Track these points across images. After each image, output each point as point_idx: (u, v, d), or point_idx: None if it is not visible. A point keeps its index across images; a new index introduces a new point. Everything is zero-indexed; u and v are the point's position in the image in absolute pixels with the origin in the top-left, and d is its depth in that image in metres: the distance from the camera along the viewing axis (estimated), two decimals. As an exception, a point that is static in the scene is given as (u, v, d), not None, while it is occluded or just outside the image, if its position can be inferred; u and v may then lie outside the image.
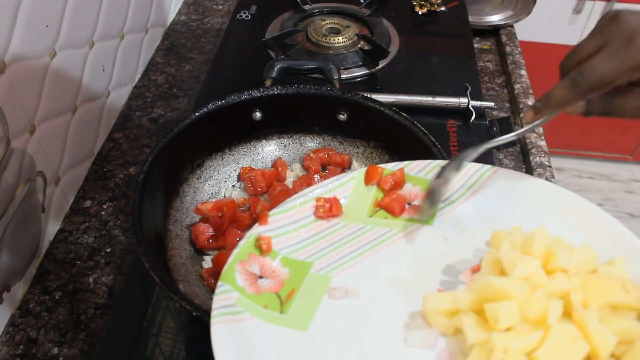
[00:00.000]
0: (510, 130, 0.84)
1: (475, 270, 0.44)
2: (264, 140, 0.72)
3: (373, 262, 0.46)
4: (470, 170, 0.51)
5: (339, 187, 0.51)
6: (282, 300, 0.43)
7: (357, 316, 0.42)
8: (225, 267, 0.43)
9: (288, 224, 0.48)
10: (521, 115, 0.46)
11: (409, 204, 0.51)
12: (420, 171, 0.52)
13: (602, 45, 0.42)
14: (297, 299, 0.43)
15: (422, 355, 0.39)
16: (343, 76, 0.87)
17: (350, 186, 0.52)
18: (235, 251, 0.45)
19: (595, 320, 0.36)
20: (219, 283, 0.42)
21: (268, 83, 0.71)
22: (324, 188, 0.51)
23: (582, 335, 0.36)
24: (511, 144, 0.84)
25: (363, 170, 0.53)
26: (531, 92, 0.93)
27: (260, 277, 0.44)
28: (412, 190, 0.52)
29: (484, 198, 0.50)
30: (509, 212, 0.48)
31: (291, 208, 0.49)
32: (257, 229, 0.47)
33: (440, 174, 0.49)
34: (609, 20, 0.42)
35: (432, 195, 0.49)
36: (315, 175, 0.66)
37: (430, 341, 0.39)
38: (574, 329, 0.36)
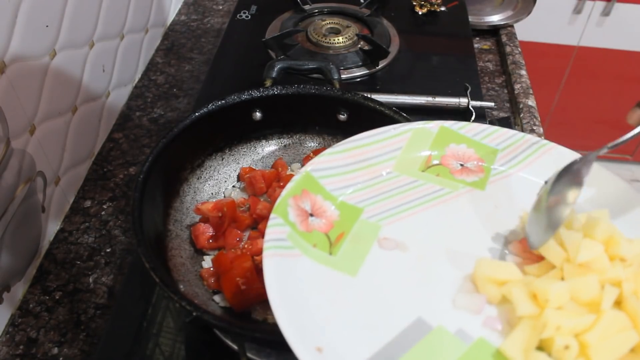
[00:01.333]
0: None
1: (524, 243, 0.44)
2: (264, 140, 0.72)
3: (422, 218, 0.45)
4: (526, 142, 0.51)
5: (396, 136, 0.50)
6: (331, 241, 0.42)
7: (406, 269, 0.41)
8: (279, 200, 0.42)
9: (340, 165, 0.47)
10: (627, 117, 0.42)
11: (461, 164, 0.51)
12: (477, 134, 0.52)
13: None
14: (347, 242, 0.43)
15: (468, 319, 0.38)
16: (343, 76, 0.87)
17: (406, 138, 0.51)
18: (290, 185, 0.44)
19: None
20: (272, 215, 0.41)
21: (268, 83, 0.71)
22: (379, 136, 0.50)
23: (633, 325, 0.36)
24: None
25: (422, 123, 0.51)
26: (531, 92, 0.93)
27: (311, 215, 0.44)
28: (467, 152, 0.51)
29: (538, 171, 0.49)
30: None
31: (345, 150, 0.48)
32: (310, 166, 0.46)
33: (552, 189, 0.43)
34: None
35: (548, 217, 0.41)
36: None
37: (478, 306, 0.39)
38: (625, 318, 0.36)
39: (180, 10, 1.16)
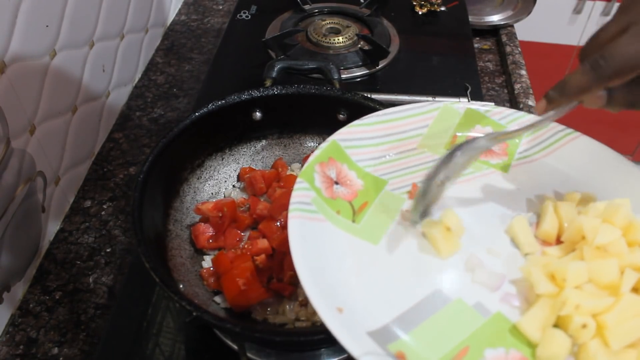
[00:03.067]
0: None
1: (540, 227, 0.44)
2: (264, 140, 0.72)
3: (444, 195, 0.45)
4: (553, 128, 0.51)
5: (424, 113, 0.51)
6: (354, 210, 0.43)
7: (426, 242, 0.42)
8: (306, 166, 0.43)
9: (367, 137, 0.48)
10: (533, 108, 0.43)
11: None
12: (503, 117, 0.52)
13: (626, 27, 0.37)
14: (370, 212, 0.43)
15: (487, 294, 0.39)
16: (343, 76, 0.87)
17: (433, 116, 0.51)
18: (317, 152, 0.44)
19: None
20: (298, 180, 0.41)
21: (268, 83, 0.71)
22: (407, 112, 0.50)
23: None
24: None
25: (449, 103, 0.52)
26: (531, 92, 0.93)
27: (336, 183, 0.44)
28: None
29: (562, 158, 0.49)
30: (586, 178, 0.48)
31: (373, 123, 0.48)
32: (337, 135, 0.46)
33: (433, 174, 0.43)
34: (634, 0, 0.37)
35: (421, 198, 0.42)
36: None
37: (496, 283, 0.40)
38: None
39: (180, 10, 1.16)
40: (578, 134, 0.51)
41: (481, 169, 0.49)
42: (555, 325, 0.37)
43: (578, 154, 0.49)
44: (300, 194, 0.40)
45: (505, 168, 0.50)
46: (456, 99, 0.83)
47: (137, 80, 0.98)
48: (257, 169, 0.70)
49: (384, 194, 0.45)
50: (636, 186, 0.46)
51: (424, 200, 0.42)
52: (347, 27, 0.97)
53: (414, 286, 0.39)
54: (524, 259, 0.42)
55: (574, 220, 0.41)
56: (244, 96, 0.65)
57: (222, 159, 0.69)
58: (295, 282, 0.57)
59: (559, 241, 0.44)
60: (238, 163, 0.70)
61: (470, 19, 1.05)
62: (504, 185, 0.48)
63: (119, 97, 0.91)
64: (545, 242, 0.44)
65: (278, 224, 0.60)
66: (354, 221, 0.42)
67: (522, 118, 0.52)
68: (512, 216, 0.45)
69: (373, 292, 0.38)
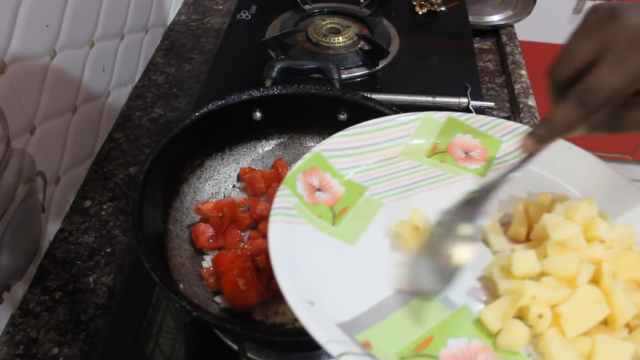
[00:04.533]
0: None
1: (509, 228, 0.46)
2: (264, 140, 0.72)
3: (422, 199, 0.48)
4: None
5: (404, 124, 0.53)
6: (335, 214, 0.46)
7: (399, 241, 0.45)
8: (289, 174, 0.46)
9: (350, 147, 0.50)
10: (519, 145, 0.44)
11: (466, 153, 0.53)
12: (483, 125, 0.54)
13: (602, 50, 0.36)
14: (349, 216, 0.46)
15: (454, 288, 0.40)
16: (343, 76, 0.87)
17: (415, 125, 0.53)
18: (300, 162, 0.47)
19: (621, 290, 0.38)
20: (281, 187, 0.44)
21: (268, 83, 0.71)
22: (389, 123, 0.52)
23: (605, 300, 0.38)
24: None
25: (430, 113, 0.54)
26: (531, 92, 0.93)
27: (319, 190, 0.47)
28: (472, 142, 0.53)
29: (540, 162, 0.50)
30: (560, 179, 0.50)
31: (355, 134, 0.51)
32: (321, 146, 0.49)
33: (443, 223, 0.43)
34: (606, 19, 0.36)
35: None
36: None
37: (464, 280, 0.41)
38: (599, 293, 0.38)
39: (180, 10, 1.16)
40: None
41: (459, 173, 0.51)
42: (517, 317, 0.38)
43: (558, 157, 0.50)
44: (282, 200, 0.43)
45: (483, 172, 0.52)
46: (456, 99, 0.83)
47: (137, 80, 0.98)
48: (257, 169, 0.70)
49: (363, 200, 0.48)
50: (606, 184, 0.48)
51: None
52: (347, 27, 0.97)
53: (385, 281, 0.41)
54: (493, 256, 0.44)
55: (540, 219, 0.43)
56: (244, 96, 0.65)
57: (222, 159, 0.69)
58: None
59: (528, 240, 0.45)
60: (238, 163, 0.70)
61: (470, 19, 1.05)
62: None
63: (119, 97, 0.91)
64: (515, 241, 0.45)
65: (278, 224, 0.60)
66: (333, 224, 0.45)
67: (502, 125, 0.53)
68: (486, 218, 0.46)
69: (346, 287, 0.40)
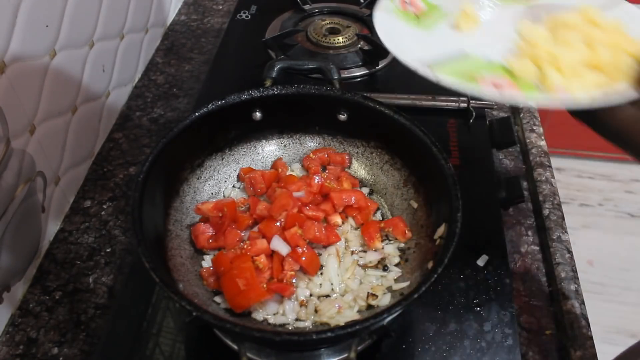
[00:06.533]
0: (511, 131, 0.84)
1: None
2: (264, 140, 0.72)
3: (482, 17, 0.60)
4: None
5: None
6: (418, 17, 0.61)
7: (464, 34, 0.59)
8: None
9: None
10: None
11: None
12: None
13: None
14: (425, 19, 0.61)
15: (493, 53, 0.54)
16: (343, 76, 0.87)
17: None
18: None
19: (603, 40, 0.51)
20: None
21: (268, 83, 0.71)
22: None
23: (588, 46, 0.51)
24: (511, 143, 0.84)
25: None
26: (531, 92, 0.93)
27: (409, 4, 0.61)
28: None
29: None
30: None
31: None
32: None
33: None
34: None
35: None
36: (315, 176, 0.66)
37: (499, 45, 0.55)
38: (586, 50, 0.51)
39: (180, 10, 1.16)
40: None
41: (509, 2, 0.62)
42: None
43: None
44: (383, 4, 0.59)
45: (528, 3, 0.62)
46: (456, 99, 0.83)
47: (137, 80, 0.98)
48: (257, 169, 0.70)
49: (437, 12, 0.62)
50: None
51: None
52: (347, 27, 0.97)
53: (448, 46, 0.56)
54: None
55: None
56: (244, 96, 0.65)
57: (222, 159, 0.69)
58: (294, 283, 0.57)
59: None
60: (238, 163, 0.70)
61: (470, 19, 1.05)
62: (522, 9, 0.61)
63: (119, 97, 0.91)
64: None
65: (278, 224, 0.60)
66: (416, 22, 0.60)
67: None
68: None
69: (423, 50, 0.55)
